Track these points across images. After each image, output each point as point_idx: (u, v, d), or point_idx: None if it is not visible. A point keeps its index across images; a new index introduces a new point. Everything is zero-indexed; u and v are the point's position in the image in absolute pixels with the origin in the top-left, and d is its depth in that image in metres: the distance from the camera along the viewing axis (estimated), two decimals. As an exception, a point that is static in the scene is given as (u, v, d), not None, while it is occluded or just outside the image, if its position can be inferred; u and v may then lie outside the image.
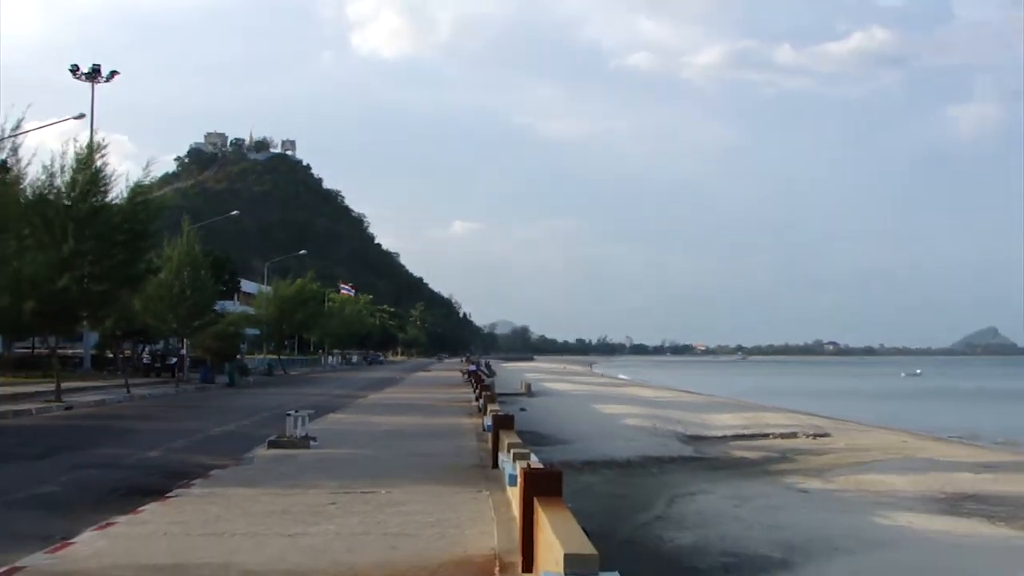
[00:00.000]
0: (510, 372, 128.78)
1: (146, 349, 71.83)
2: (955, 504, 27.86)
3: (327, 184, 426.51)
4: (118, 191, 44.26)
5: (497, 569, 11.03)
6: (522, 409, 54.37)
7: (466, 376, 74.17)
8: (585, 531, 11.65)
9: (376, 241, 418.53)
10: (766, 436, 49.18)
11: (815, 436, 49.33)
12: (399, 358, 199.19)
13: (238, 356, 79.64)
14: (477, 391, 40.95)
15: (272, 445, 24.15)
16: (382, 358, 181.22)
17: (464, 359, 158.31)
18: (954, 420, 73.10)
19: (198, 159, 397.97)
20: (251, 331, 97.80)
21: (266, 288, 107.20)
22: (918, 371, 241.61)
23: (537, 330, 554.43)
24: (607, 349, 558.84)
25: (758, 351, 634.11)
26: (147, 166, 50.52)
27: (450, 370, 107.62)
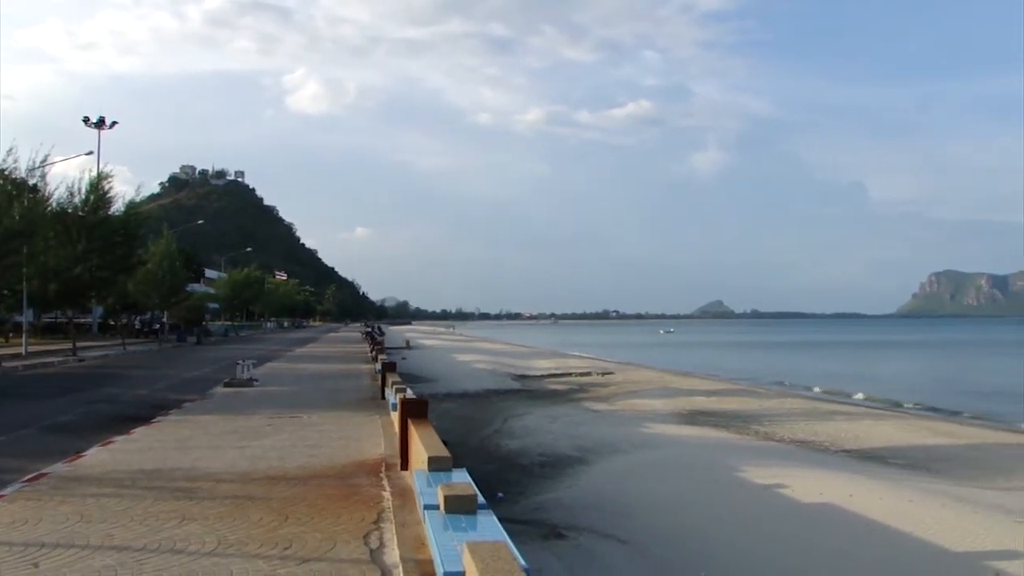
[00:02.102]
0: (395, 333, 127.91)
1: (137, 318, 70.20)
2: (693, 417, 28.59)
3: (267, 201, 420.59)
4: (117, 207, 45.29)
5: (384, 468, 11.03)
6: (403, 358, 53.99)
7: (364, 336, 73.61)
8: (445, 442, 11.67)
9: (301, 241, 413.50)
10: (570, 375, 49.70)
11: (603, 374, 50.05)
12: (317, 324, 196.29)
13: (203, 323, 79.20)
14: (371, 346, 40.70)
15: (227, 385, 23.77)
16: (305, 324, 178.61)
17: (363, 324, 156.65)
18: (693, 361, 75.09)
19: (175, 183, 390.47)
20: (212, 305, 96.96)
21: (223, 275, 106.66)
22: (672, 329, 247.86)
23: (414, 303, 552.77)
24: (463, 316, 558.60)
25: (565, 316, 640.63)
26: (138, 189, 52.84)
27: (353, 332, 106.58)
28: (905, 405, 39.32)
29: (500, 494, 15.05)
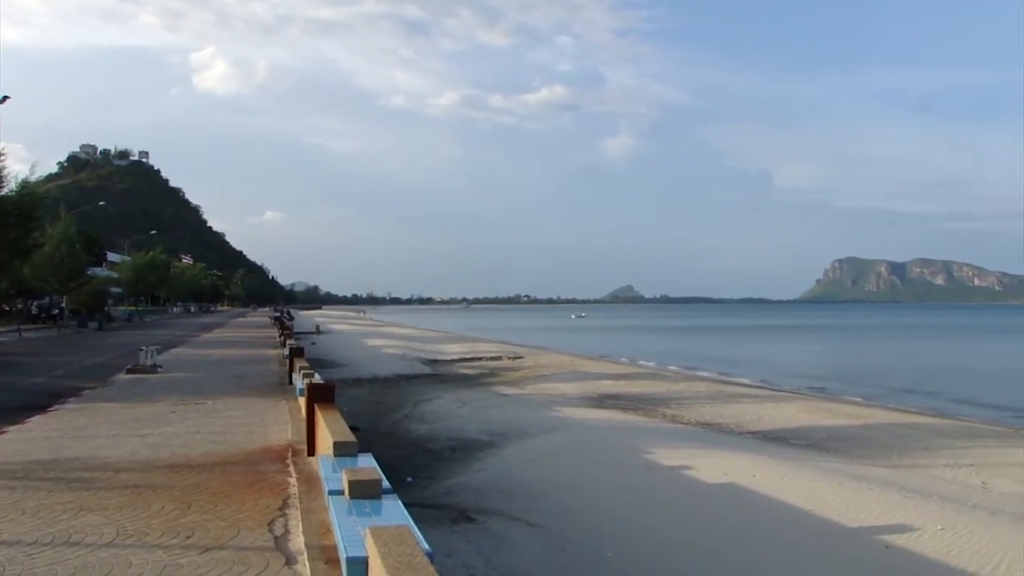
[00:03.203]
0: (305, 318, 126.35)
1: (34, 303, 67.71)
2: (601, 400, 28.93)
3: (173, 183, 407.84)
4: (10, 187, 42.32)
5: (290, 454, 10.91)
6: (312, 343, 53.44)
7: (273, 321, 72.53)
8: (354, 427, 11.53)
9: (208, 224, 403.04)
10: (480, 359, 49.81)
11: (513, 358, 50.28)
12: (225, 308, 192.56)
13: (105, 308, 76.76)
14: (280, 331, 40.13)
15: (129, 372, 23.16)
16: (213, 308, 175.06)
17: (272, 309, 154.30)
18: (603, 346, 75.98)
19: (75, 163, 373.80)
20: (115, 290, 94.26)
21: (126, 259, 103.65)
22: (583, 314, 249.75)
23: (324, 287, 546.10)
24: (373, 301, 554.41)
25: (477, 301, 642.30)
26: (32, 168, 50.23)
27: (261, 316, 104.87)
28: (807, 388, 40.47)
29: (409, 479, 15.02)
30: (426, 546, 4.20)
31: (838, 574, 9.77)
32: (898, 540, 10.87)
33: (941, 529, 11.39)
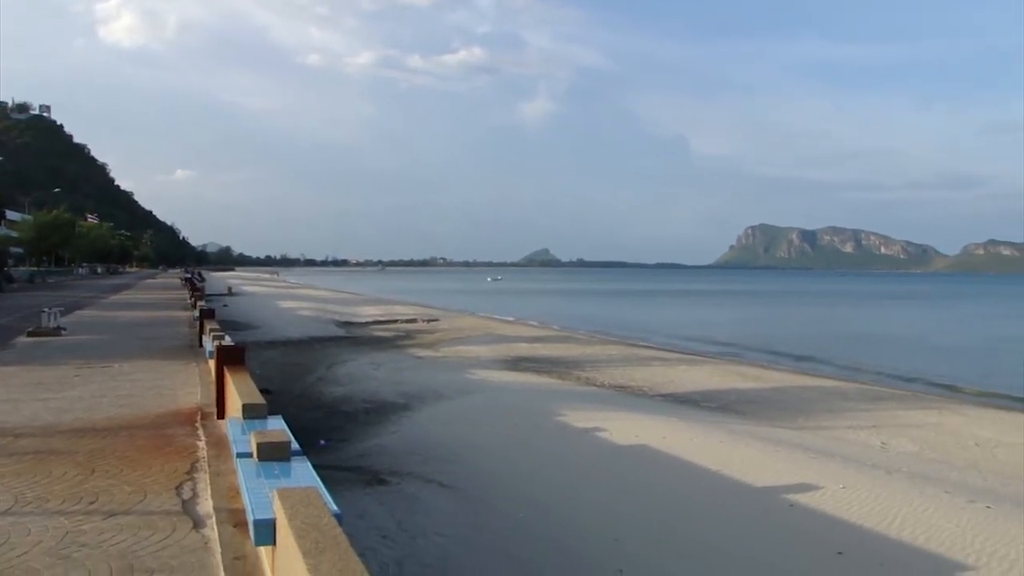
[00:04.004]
0: (217, 279, 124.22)
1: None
2: (517, 363, 29.12)
3: (77, 139, 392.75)
4: None
5: (199, 417, 10.75)
6: (224, 305, 52.59)
7: (183, 282, 71.08)
8: (266, 390, 11.41)
9: (116, 183, 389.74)
10: (395, 321, 49.63)
11: (429, 321, 50.22)
12: (133, 269, 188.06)
13: (4, 268, 73.97)
14: (191, 293, 39.38)
15: (30, 334, 22.50)
16: (121, 269, 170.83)
17: (183, 270, 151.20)
18: (519, 309, 76.34)
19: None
20: (16, 249, 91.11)
21: (27, 217, 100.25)
22: (499, 277, 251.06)
23: (237, 248, 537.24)
24: (287, 262, 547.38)
25: (393, 263, 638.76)
26: None
27: (171, 278, 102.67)
28: (718, 352, 41.32)
29: (323, 441, 14.94)
30: (334, 507, 4.20)
31: (744, 533, 10.04)
32: (802, 499, 11.23)
33: (842, 488, 11.79)
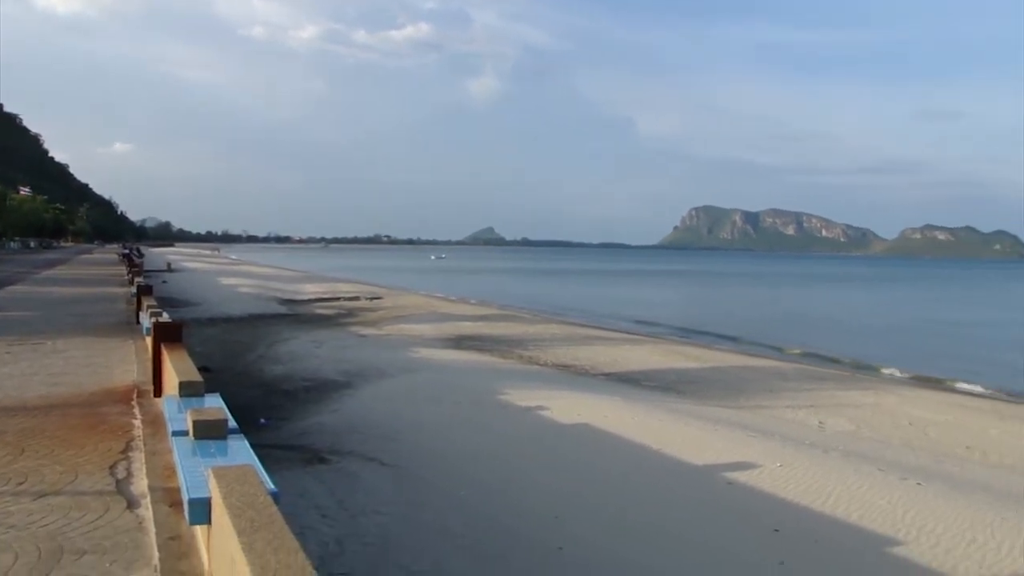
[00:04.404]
0: (156, 255, 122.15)
1: None
2: (460, 342, 29.12)
3: (8, 108, 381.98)
4: None
5: (135, 395, 10.56)
6: (164, 282, 51.86)
7: (121, 258, 69.79)
8: (206, 368, 11.23)
9: (50, 155, 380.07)
10: (338, 299, 49.33)
11: (372, 299, 49.98)
12: (69, 244, 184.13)
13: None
14: (128, 269, 38.69)
15: (-41, 310, 21.90)
16: (55, 244, 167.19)
17: (120, 245, 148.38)
18: (463, 287, 76.29)
19: None
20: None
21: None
22: (443, 255, 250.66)
23: (177, 224, 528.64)
24: (229, 238, 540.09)
25: (336, 240, 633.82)
26: None
27: (109, 253, 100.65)
28: (661, 331, 41.74)
29: (263, 420, 14.80)
30: (271, 485, 4.15)
31: (682, 511, 10.17)
32: (740, 477, 11.40)
33: (780, 466, 11.99)
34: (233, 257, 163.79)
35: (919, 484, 11.69)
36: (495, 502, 10.27)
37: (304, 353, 24.25)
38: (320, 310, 41.92)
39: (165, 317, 13.19)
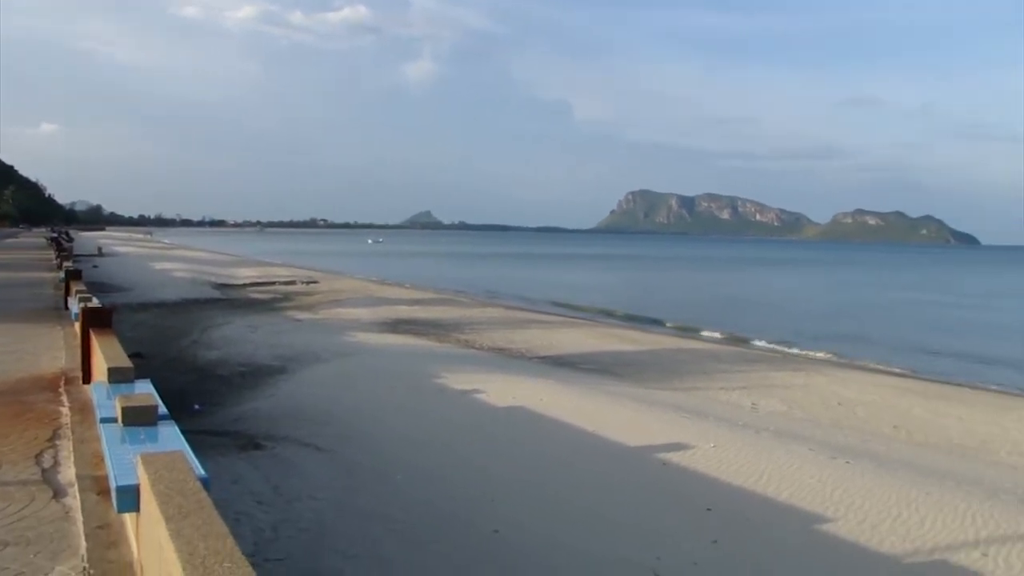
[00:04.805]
0: (87, 239, 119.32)
1: None
2: (396, 326, 29.01)
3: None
4: None
5: (63, 382, 10.33)
6: (94, 266, 50.70)
7: (49, 242, 68.10)
8: (138, 354, 11.02)
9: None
10: (273, 283, 48.77)
11: (308, 283, 49.54)
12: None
13: None
14: (57, 253, 37.80)
15: None
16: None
17: (49, 229, 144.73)
18: (400, 271, 75.97)
19: None
20: None
21: None
22: (380, 239, 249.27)
23: (108, 207, 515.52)
24: (162, 222, 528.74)
25: (272, 224, 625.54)
26: None
27: (36, 238, 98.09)
28: (597, 315, 42.03)
29: (197, 406, 14.62)
30: (201, 471, 4.10)
31: (617, 492, 10.27)
32: (674, 457, 11.56)
33: (713, 446, 12.18)
34: (166, 241, 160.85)
35: (848, 463, 11.96)
36: (431, 486, 10.28)
37: (239, 338, 23.96)
38: (255, 295, 41.42)
39: (95, 302, 12.92)
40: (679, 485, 10.55)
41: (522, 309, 41.61)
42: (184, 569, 2.72)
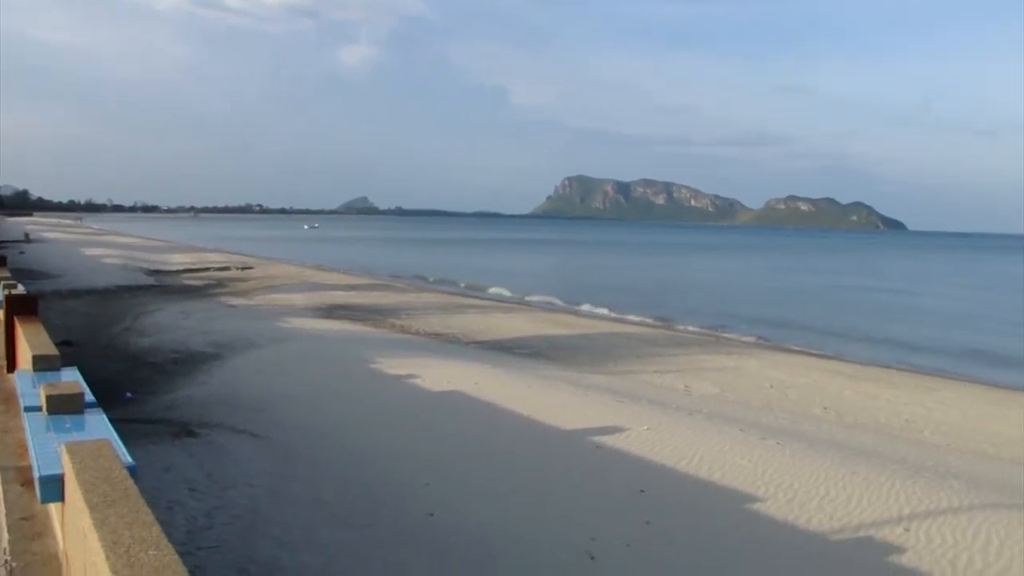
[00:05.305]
0: (13, 225, 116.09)
1: None
2: (331, 311, 28.81)
3: None
4: None
5: (-13, 370, 10.06)
6: (21, 252, 49.49)
7: (-27, 227, 66.24)
8: (68, 342, 10.80)
9: None
10: (207, 269, 48.09)
11: (242, 269, 48.95)
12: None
13: None
14: (-20, 239, 36.79)
15: None
16: None
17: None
18: (336, 257, 75.36)
19: None
20: None
21: None
22: (316, 225, 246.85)
23: (36, 192, 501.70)
24: (93, 208, 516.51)
25: (206, 210, 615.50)
26: None
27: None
28: (534, 299, 42.18)
29: (129, 394, 14.38)
30: (128, 459, 4.04)
31: (551, 475, 10.36)
32: (608, 441, 11.67)
33: (647, 429, 12.33)
34: (97, 227, 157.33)
35: (778, 444, 12.19)
36: (366, 471, 10.25)
37: (172, 325, 23.59)
38: (189, 281, 40.79)
39: (20, 289, 12.60)
40: (613, 468, 10.66)
41: (458, 294, 41.64)
42: (108, 558, 2.68)
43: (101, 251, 61.76)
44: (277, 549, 7.78)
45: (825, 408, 16.99)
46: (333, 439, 11.65)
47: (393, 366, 16.83)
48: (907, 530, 8.81)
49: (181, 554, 2.74)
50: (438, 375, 15.95)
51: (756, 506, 9.42)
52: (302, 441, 11.47)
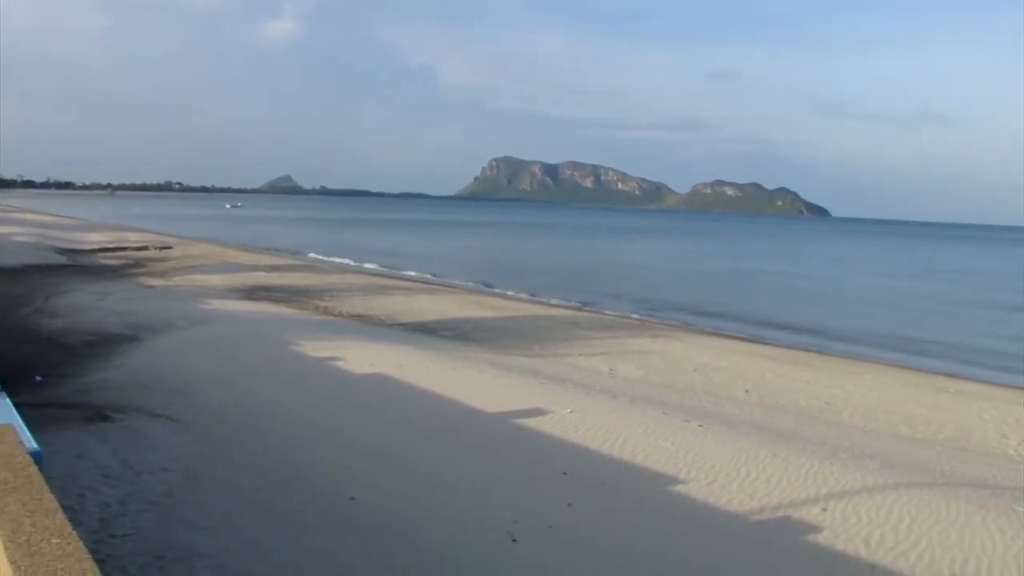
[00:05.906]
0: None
1: None
2: (252, 292, 28.44)
3: None
4: None
5: None
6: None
7: None
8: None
9: None
10: (125, 249, 47.07)
11: (161, 248, 48.00)
12: None
13: None
14: None
15: None
16: None
17: None
18: (259, 237, 74.42)
19: None
20: None
21: None
22: (239, 204, 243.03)
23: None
24: (3, 184, 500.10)
25: (124, 187, 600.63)
26: None
27: None
28: (458, 281, 42.18)
29: (39, 378, 14.00)
30: (33, 445, 3.95)
31: (473, 457, 10.40)
32: (531, 423, 11.75)
33: (570, 412, 12.43)
34: (7, 204, 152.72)
35: (700, 426, 12.40)
36: (288, 454, 10.16)
37: (87, 305, 23.03)
38: (105, 260, 39.88)
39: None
40: (536, 450, 10.74)
41: (382, 276, 41.46)
42: (7, 547, 2.62)
43: (11, 229, 59.97)
44: (195, 535, 7.67)
45: (747, 391, 17.32)
46: (254, 422, 11.52)
47: (316, 348, 16.68)
48: (824, 510, 9.04)
49: (93, 542, 2.69)
50: (361, 357, 15.86)
51: (678, 488, 9.58)
52: (222, 425, 11.32)
